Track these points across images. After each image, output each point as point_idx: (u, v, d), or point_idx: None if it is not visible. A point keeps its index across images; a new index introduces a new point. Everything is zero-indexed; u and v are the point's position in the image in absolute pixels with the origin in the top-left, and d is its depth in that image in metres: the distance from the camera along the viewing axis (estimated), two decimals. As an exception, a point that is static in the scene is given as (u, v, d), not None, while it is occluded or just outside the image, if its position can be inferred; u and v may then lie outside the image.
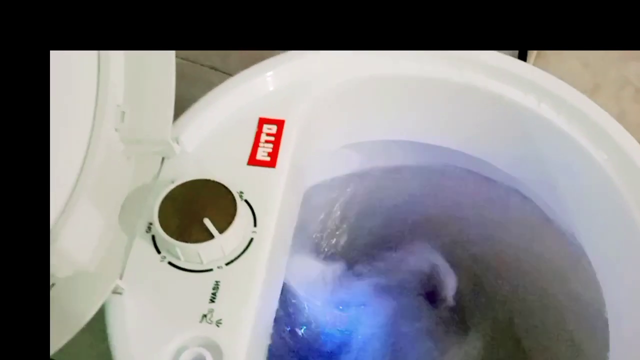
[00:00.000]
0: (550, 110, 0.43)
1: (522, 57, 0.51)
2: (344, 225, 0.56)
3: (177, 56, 0.41)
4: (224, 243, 0.36)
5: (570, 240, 0.47)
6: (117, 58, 0.40)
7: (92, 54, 0.40)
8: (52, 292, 0.34)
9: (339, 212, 0.54)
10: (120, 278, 0.36)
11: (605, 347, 0.41)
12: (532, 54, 0.51)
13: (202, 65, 0.61)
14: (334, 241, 0.57)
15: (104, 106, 0.39)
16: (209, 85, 0.45)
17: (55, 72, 0.35)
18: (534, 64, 0.52)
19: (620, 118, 0.51)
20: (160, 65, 0.41)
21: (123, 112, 0.40)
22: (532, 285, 0.53)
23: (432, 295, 0.59)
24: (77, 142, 0.38)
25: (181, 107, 0.43)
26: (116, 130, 0.40)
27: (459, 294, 0.56)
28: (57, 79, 0.36)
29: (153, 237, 0.38)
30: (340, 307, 0.55)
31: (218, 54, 0.66)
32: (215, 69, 0.64)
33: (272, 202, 0.39)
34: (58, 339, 0.32)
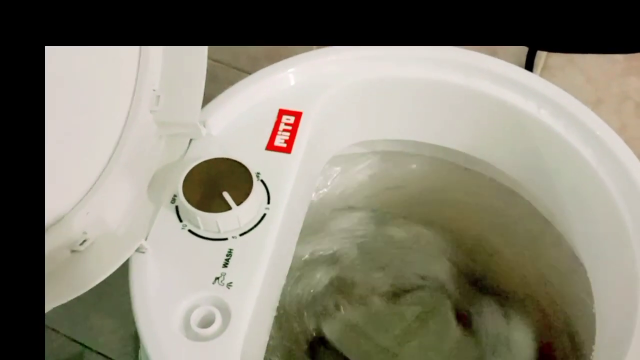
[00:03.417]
0: (549, 116, 0.46)
1: (529, 69, 0.54)
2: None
3: (208, 58, 0.45)
4: (240, 215, 0.40)
5: (564, 242, 0.50)
6: (156, 48, 0.45)
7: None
8: (84, 247, 0.38)
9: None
10: (145, 239, 0.40)
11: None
12: (538, 67, 0.54)
13: (232, 67, 0.65)
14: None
15: (141, 90, 0.44)
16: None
17: (104, 59, 0.40)
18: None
19: (621, 131, 0.54)
20: (193, 57, 0.45)
21: (158, 97, 0.44)
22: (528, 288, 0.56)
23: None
24: (117, 120, 0.43)
25: (209, 100, 0.47)
26: (151, 112, 0.44)
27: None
28: (105, 66, 0.41)
29: (177, 208, 0.42)
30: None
31: (248, 58, 0.70)
32: (246, 72, 0.68)
33: (286, 183, 0.43)
34: (88, 283, 0.36)
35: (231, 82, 0.53)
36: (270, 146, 0.45)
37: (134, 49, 0.44)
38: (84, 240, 0.39)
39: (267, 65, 0.49)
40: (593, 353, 0.43)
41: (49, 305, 0.35)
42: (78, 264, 0.38)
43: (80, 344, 0.71)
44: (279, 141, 0.45)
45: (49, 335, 0.70)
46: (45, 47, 0.32)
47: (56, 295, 0.36)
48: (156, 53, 0.45)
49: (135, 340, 0.68)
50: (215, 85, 0.48)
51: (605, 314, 0.43)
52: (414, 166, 0.55)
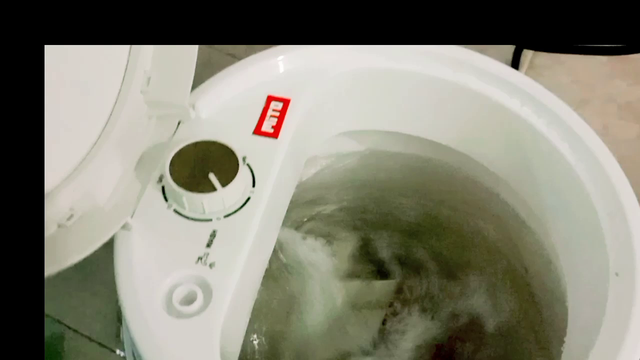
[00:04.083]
0: (531, 113, 0.47)
1: (515, 67, 0.55)
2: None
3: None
4: (225, 196, 0.41)
5: (542, 240, 0.51)
6: None
7: None
8: (70, 222, 0.39)
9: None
10: (131, 217, 0.41)
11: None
12: (524, 66, 0.55)
13: (227, 54, 0.65)
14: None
15: (133, 70, 0.44)
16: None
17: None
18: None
19: (603, 132, 0.55)
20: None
21: (149, 77, 0.45)
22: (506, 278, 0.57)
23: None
24: (107, 98, 0.44)
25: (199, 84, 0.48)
26: (141, 92, 0.45)
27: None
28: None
29: (163, 188, 0.42)
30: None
31: (246, 47, 0.71)
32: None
33: (271, 168, 0.44)
34: (72, 257, 0.37)
35: (218, 67, 0.53)
36: (258, 131, 0.45)
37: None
38: (71, 216, 0.39)
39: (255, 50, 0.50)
40: (564, 344, 0.44)
41: None
42: (64, 239, 0.38)
43: (63, 324, 0.71)
44: (267, 126, 0.46)
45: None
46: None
47: None
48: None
49: (118, 321, 0.68)
50: (209, 70, 0.49)
51: (577, 310, 0.45)
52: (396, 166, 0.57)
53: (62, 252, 0.38)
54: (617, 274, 0.41)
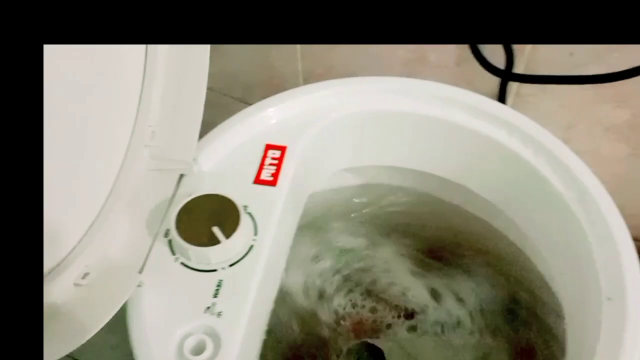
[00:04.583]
0: (519, 143, 0.49)
1: (502, 98, 0.57)
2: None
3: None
4: (229, 247, 0.43)
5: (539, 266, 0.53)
6: (158, 86, 0.47)
7: (138, 80, 0.47)
8: (85, 280, 0.41)
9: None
10: (140, 272, 0.43)
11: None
12: (511, 95, 0.57)
13: (225, 95, 0.68)
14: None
15: (141, 126, 0.46)
16: (231, 114, 0.52)
17: (106, 97, 0.43)
18: (512, 104, 0.58)
19: (594, 153, 0.57)
20: (193, 95, 0.47)
21: (154, 132, 0.47)
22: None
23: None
24: (117, 154, 0.46)
25: (204, 130, 0.50)
26: (145, 146, 0.47)
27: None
28: (107, 105, 0.44)
29: (170, 241, 0.45)
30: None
31: (243, 89, 0.73)
32: (240, 101, 0.71)
33: (271, 215, 0.46)
34: (96, 324, 0.39)
35: (225, 109, 0.55)
36: (257, 180, 0.48)
37: (137, 86, 0.47)
38: (86, 274, 0.42)
39: (260, 96, 0.52)
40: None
41: (64, 349, 0.38)
42: (83, 303, 0.40)
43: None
44: (266, 175, 0.48)
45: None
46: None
47: (65, 339, 0.39)
48: (157, 88, 0.47)
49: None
50: (209, 111, 0.51)
51: (574, 331, 0.46)
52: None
53: (84, 322, 0.40)
54: (609, 299, 0.42)
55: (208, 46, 0.46)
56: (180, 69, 0.47)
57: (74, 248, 0.43)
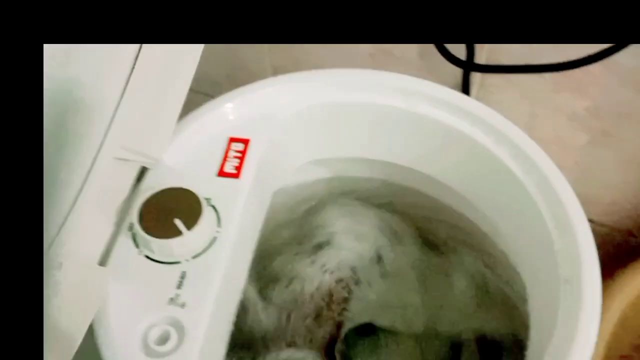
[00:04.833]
0: (480, 133, 0.50)
1: (465, 89, 0.58)
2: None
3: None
4: (191, 239, 0.43)
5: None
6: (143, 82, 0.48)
7: (124, 75, 0.47)
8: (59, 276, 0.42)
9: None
10: (105, 265, 0.43)
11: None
12: (475, 86, 0.58)
13: (192, 90, 0.68)
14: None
15: (118, 121, 0.47)
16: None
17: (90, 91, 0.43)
18: (476, 94, 0.59)
19: (557, 140, 0.57)
20: (173, 97, 0.48)
21: (127, 127, 0.47)
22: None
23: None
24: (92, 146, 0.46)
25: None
26: (114, 138, 0.47)
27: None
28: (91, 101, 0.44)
29: (133, 235, 0.45)
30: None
31: (212, 84, 0.74)
32: (208, 96, 0.71)
33: (235, 207, 0.46)
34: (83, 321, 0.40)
35: (194, 105, 0.56)
36: (221, 173, 0.48)
37: (122, 78, 0.47)
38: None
39: (229, 88, 0.52)
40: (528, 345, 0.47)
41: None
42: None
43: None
44: (229, 167, 0.48)
45: None
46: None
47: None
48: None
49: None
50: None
51: (535, 313, 0.47)
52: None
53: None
54: (566, 281, 0.43)
55: (202, 45, 0.46)
56: (169, 66, 0.47)
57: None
